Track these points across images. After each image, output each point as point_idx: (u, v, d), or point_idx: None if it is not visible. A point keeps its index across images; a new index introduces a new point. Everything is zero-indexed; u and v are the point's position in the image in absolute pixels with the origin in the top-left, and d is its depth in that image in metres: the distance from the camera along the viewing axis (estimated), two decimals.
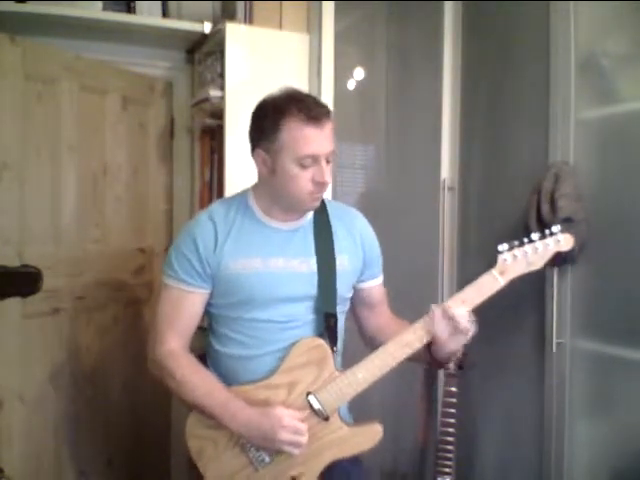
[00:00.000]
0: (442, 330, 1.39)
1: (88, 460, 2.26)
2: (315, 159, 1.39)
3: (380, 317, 1.65)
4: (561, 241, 1.39)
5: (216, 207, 1.54)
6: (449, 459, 2.00)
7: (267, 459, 1.42)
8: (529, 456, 2.01)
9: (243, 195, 1.55)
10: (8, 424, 1.96)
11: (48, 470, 2.11)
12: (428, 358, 1.46)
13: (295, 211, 1.50)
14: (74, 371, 2.20)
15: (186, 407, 1.48)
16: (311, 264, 1.49)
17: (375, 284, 1.64)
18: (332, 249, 1.51)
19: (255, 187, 1.55)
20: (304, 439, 1.37)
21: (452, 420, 1.99)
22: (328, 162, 1.42)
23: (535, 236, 1.39)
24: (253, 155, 1.48)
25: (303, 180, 1.40)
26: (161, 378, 1.48)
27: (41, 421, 2.08)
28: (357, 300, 1.64)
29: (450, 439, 1.99)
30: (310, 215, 1.54)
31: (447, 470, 2.00)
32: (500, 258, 1.40)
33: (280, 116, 1.39)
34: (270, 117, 1.41)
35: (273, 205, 1.50)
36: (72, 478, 2.19)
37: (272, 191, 1.47)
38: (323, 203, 1.56)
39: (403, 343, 1.41)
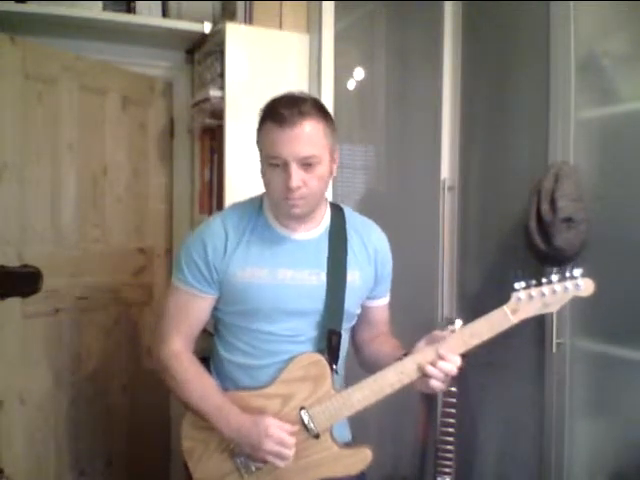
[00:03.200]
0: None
1: (88, 460, 2.26)
2: (283, 162, 1.34)
3: (374, 334, 1.62)
4: (581, 286, 1.33)
5: (230, 212, 1.51)
6: (449, 459, 1.99)
7: (253, 468, 1.41)
8: (529, 456, 2.01)
9: (258, 200, 1.52)
10: (8, 424, 1.96)
11: (48, 470, 2.11)
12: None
13: (284, 216, 1.45)
14: (74, 371, 2.20)
15: (184, 407, 1.48)
16: (321, 276, 1.46)
17: (378, 304, 1.60)
18: (344, 263, 1.48)
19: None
20: (289, 452, 1.35)
21: (452, 420, 1.98)
22: (309, 165, 1.34)
23: (554, 277, 1.33)
24: None
25: (274, 183, 1.37)
26: (162, 377, 1.48)
27: (41, 421, 2.08)
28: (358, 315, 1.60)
29: (450, 439, 1.99)
30: (327, 224, 1.50)
31: (447, 470, 2.00)
32: (514, 296, 1.34)
33: (260, 118, 1.40)
34: (259, 119, 1.41)
35: (277, 211, 1.47)
36: (72, 478, 2.19)
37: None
38: (342, 213, 1.52)
39: (400, 372, 1.37)
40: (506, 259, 2.08)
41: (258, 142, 1.41)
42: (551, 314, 1.84)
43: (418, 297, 2.44)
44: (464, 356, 2.06)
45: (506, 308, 1.35)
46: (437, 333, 1.39)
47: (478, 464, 2.26)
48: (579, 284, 1.33)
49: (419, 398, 2.32)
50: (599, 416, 1.84)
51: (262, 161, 1.40)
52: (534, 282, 1.35)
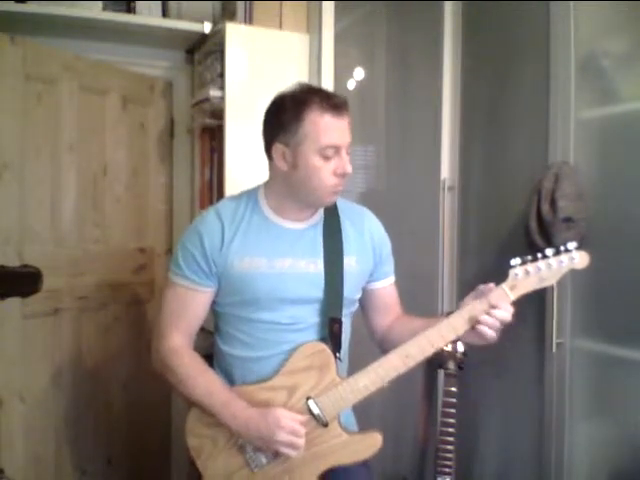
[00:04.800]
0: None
1: (88, 460, 2.26)
2: (337, 150, 1.39)
3: (391, 319, 1.62)
4: (576, 259, 1.35)
5: (224, 204, 1.52)
6: (449, 459, 1.99)
7: (264, 461, 1.42)
8: (529, 456, 2.01)
9: (253, 192, 1.53)
10: (8, 424, 1.96)
11: (48, 470, 2.11)
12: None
13: (312, 206, 1.48)
14: (74, 371, 2.20)
15: (186, 403, 1.49)
16: (319, 265, 1.47)
17: (386, 284, 1.61)
18: (341, 250, 1.49)
19: (267, 184, 1.52)
20: (301, 441, 1.36)
21: (452, 420, 1.98)
22: (347, 154, 1.42)
23: (549, 252, 1.35)
24: (271, 150, 1.44)
25: (325, 172, 1.39)
26: (163, 374, 1.48)
27: (41, 421, 2.08)
28: (368, 302, 1.61)
29: (450, 439, 1.99)
30: (320, 214, 1.52)
31: (447, 470, 2.00)
32: (511, 273, 1.36)
33: (301, 107, 1.38)
34: (290, 109, 1.39)
35: (287, 202, 1.47)
36: (72, 478, 2.19)
37: (291, 186, 1.44)
38: (335, 203, 1.53)
39: (405, 355, 1.39)
40: (506, 259, 2.07)
41: (294, 133, 1.38)
42: (551, 314, 1.84)
43: (418, 297, 2.44)
44: (465, 355, 2.07)
45: (504, 286, 1.37)
46: (482, 287, 1.40)
47: (478, 464, 2.26)
48: (574, 257, 1.35)
49: (420, 398, 2.32)
50: (599, 416, 1.84)
51: (304, 152, 1.38)
52: (530, 258, 1.36)
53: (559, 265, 1.36)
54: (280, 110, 1.41)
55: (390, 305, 1.63)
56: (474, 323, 1.36)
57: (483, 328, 1.36)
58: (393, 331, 1.59)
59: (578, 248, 1.36)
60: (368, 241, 1.56)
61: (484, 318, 1.35)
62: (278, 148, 1.42)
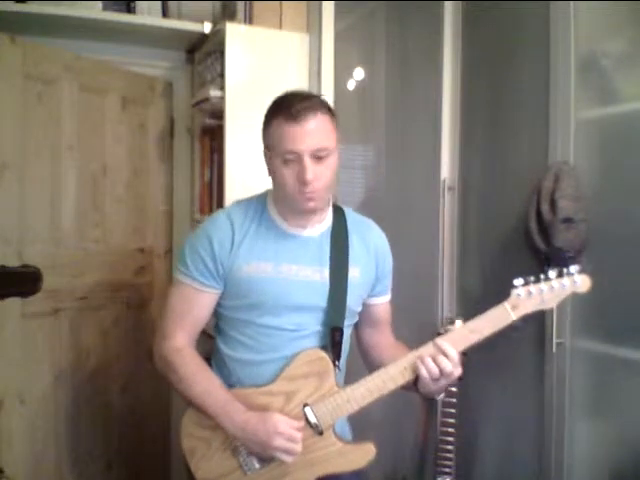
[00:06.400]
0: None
1: (88, 461, 2.26)
2: (297, 156, 1.37)
3: (379, 337, 1.64)
4: (578, 282, 1.37)
5: (235, 207, 1.53)
6: (449, 459, 1.99)
7: (257, 465, 1.42)
8: (529, 456, 2.01)
9: (262, 197, 1.54)
10: (8, 424, 1.96)
11: (48, 470, 2.11)
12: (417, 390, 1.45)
13: (298, 213, 1.48)
14: (74, 371, 2.20)
15: (186, 403, 1.49)
16: (324, 274, 1.48)
17: (381, 302, 1.62)
18: (346, 260, 1.50)
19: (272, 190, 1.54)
20: (298, 447, 1.36)
21: (452, 420, 1.99)
22: (320, 158, 1.38)
23: (552, 274, 1.36)
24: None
25: (288, 178, 1.39)
26: (164, 373, 1.48)
27: (41, 422, 2.08)
28: (360, 315, 1.61)
29: (450, 439, 1.99)
30: (329, 223, 1.53)
31: (447, 470, 2.00)
32: (514, 292, 1.37)
33: (269, 115, 1.42)
34: (266, 115, 1.44)
35: (284, 208, 1.48)
36: (72, 478, 2.19)
37: (276, 192, 1.48)
38: (342, 212, 1.55)
39: (404, 367, 1.39)
40: (506, 259, 2.08)
41: (267, 139, 1.43)
42: (551, 314, 1.84)
43: (418, 297, 2.44)
44: (464, 354, 2.07)
45: (507, 304, 1.37)
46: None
47: (478, 464, 2.26)
48: (576, 280, 1.37)
49: (419, 398, 2.32)
50: (599, 416, 1.84)
51: (272, 158, 1.41)
52: (532, 279, 1.37)
53: (561, 287, 1.37)
54: (265, 116, 1.45)
55: (381, 322, 1.64)
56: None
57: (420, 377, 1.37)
58: (376, 353, 1.61)
59: (580, 272, 1.37)
60: (373, 254, 1.56)
61: (419, 364, 1.37)
62: (265, 153, 1.46)
